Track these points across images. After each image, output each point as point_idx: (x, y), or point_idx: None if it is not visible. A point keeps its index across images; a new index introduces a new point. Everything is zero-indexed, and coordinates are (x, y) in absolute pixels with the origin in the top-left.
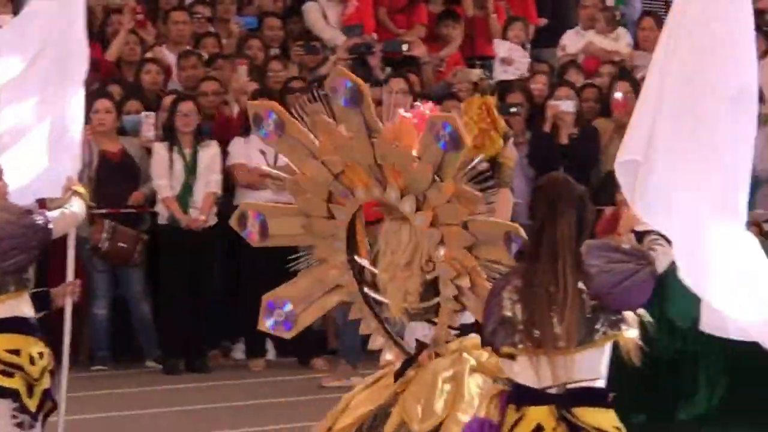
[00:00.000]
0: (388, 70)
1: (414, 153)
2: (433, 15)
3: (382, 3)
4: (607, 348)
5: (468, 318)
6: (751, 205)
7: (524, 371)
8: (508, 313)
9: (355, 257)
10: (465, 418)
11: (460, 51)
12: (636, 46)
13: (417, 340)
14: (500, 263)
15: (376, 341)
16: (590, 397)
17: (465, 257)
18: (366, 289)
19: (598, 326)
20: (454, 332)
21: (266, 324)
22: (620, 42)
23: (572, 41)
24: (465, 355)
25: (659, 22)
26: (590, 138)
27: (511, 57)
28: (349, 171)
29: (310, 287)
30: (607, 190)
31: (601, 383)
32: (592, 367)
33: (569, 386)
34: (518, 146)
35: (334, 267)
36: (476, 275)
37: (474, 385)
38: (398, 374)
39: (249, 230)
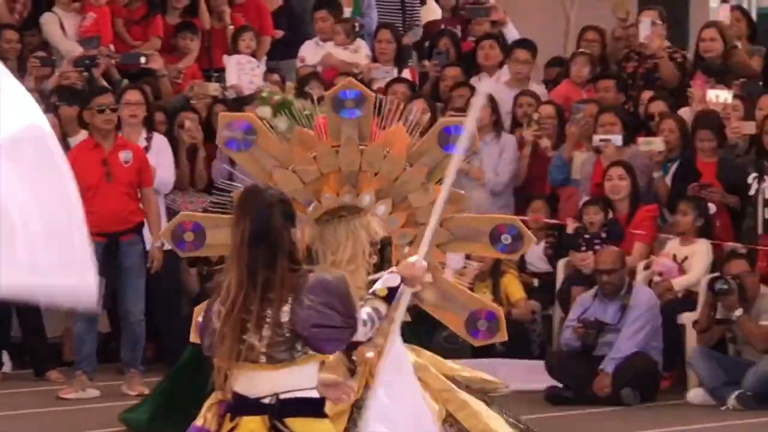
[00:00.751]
0: (125, 81)
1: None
2: (170, 27)
3: (119, 15)
4: (314, 363)
5: None
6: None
7: (240, 380)
8: (216, 327)
9: None
10: None
11: (198, 63)
12: (373, 58)
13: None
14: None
15: None
16: (303, 407)
17: (432, 254)
18: None
19: (298, 347)
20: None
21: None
22: (359, 54)
23: (311, 53)
24: None
25: (396, 34)
26: None
27: (240, 84)
28: (318, 180)
29: None
30: None
31: (314, 393)
32: (302, 379)
33: (282, 396)
34: None
35: None
36: (437, 271)
37: None
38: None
39: (184, 241)
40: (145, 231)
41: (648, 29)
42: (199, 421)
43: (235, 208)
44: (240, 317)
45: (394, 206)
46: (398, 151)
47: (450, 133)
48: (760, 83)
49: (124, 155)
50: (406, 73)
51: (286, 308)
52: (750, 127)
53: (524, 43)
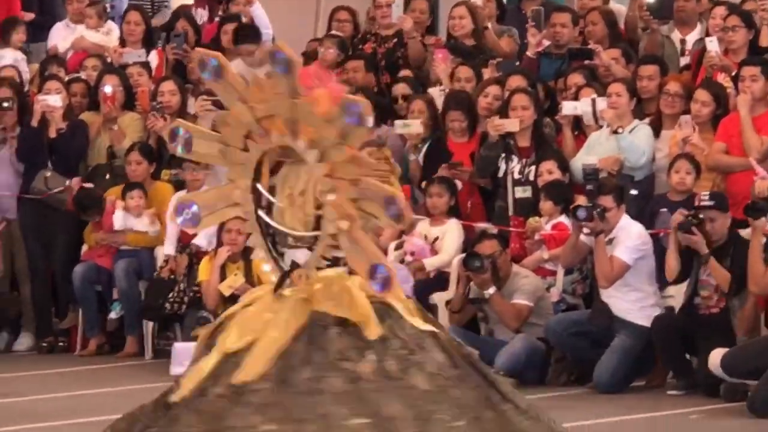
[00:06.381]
0: None
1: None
2: None
3: None
4: None
5: None
6: None
7: None
8: None
9: (257, 184)
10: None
11: None
12: (122, 40)
13: (293, 261)
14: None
15: (259, 254)
16: None
17: (348, 206)
18: (259, 211)
19: None
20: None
21: (177, 220)
22: (111, 36)
23: (61, 36)
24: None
25: (144, 16)
26: (78, 132)
27: None
28: (268, 119)
29: (216, 199)
30: (95, 180)
31: None
32: None
33: None
34: (9, 141)
35: (239, 188)
36: (354, 222)
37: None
38: (276, 287)
39: (176, 143)
40: None
41: (400, 9)
42: None
43: None
44: None
45: (321, 156)
46: (321, 109)
47: (349, 107)
48: (517, 63)
49: None
50: (154, 55)
51: None
52: (513, 125)
53: (247, 32)
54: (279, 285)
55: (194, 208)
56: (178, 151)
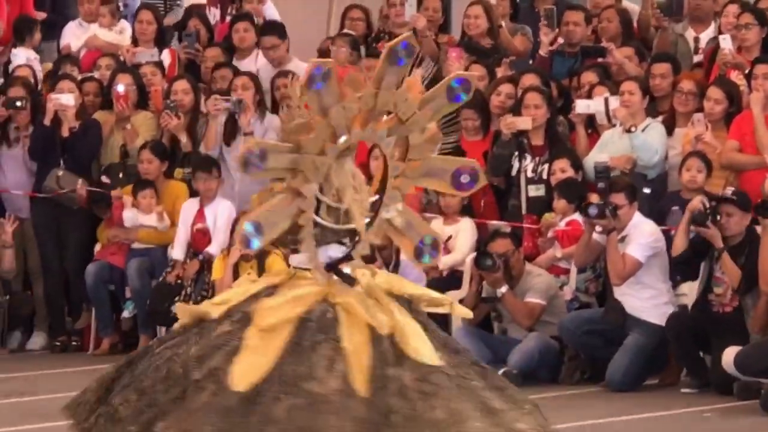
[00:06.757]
0: None
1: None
2: None
3: None
4: None
5: None
6: None
7: None
8: None
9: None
10: None
11: None
12: (134, 38)
13: (333, 258)
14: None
15: (304, 258)
16: None
17: (406, 186)
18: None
19: None
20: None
21: (250, 246)
22: (124, 35)
23: (75, 34)
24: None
25: (156, 15)
26: (91, 131)
27: None
28: (355, 116)
29: (277, 213)
30: (110, 177)
31: None
32: None
33: None
34: (22, 140)
35: (302, 194)
36: (408, 201)
37: None
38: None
39: (253, 163)
40: None
41: (413, 8)
42: None
43: None
44: None
45: (397, 141)
46: (414, 96)
47: (457, 85)
48: (530, 61)
49: None
50: (166, 54)
51: None
52: (525, 123)
53: (273, 26)
54: (350, 281)
55: (254, 227)
56: (254, 171)
